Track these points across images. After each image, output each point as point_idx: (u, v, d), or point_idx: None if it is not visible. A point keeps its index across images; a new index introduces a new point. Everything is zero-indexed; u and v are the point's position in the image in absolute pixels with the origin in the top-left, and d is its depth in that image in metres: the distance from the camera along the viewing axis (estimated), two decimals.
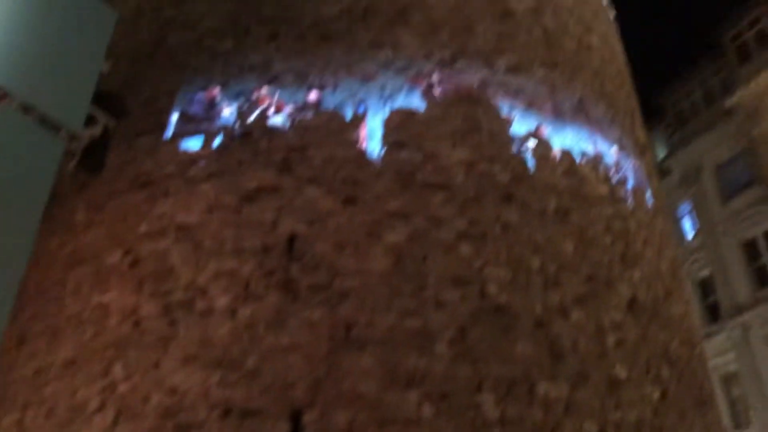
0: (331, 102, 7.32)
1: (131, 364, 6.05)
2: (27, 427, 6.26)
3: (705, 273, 22.89)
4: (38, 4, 5.41)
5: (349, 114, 7.23)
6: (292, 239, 6.46)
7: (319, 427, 5.49)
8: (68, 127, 5.49)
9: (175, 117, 7.63)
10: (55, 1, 5.58)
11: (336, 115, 7.24)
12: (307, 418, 5.54)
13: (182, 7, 8.61)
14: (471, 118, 7.48)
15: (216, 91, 7.55)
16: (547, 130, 7.89)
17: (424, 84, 7.52)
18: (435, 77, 7.59)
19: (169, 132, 7.56)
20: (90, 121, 5.86)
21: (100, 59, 5.76)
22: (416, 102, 7.37)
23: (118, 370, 6.07)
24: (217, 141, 7.26)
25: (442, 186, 6.93)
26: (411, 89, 7.45)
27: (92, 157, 6.67)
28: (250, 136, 7.19)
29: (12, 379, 6.67)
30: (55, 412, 6.15)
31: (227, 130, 7.32)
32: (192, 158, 7.25)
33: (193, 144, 7.42)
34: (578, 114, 8.37)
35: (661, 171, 22.30)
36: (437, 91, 7.52)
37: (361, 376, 5.73)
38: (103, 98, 5.91)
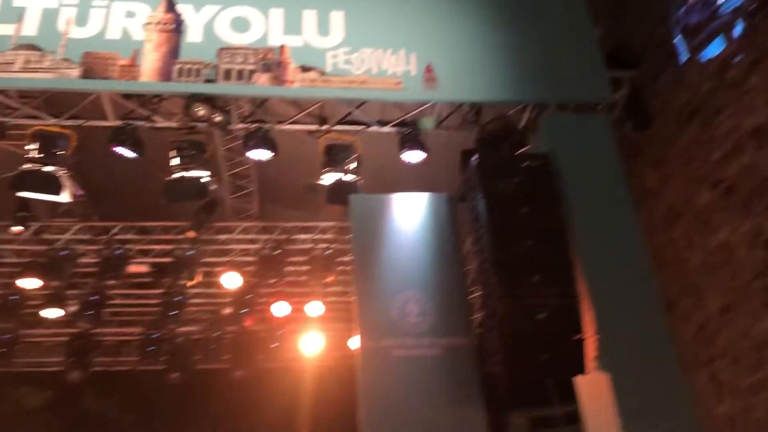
0: None
1: None
2: (721, 379, 6.27)
3: None
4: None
5: None
6: None
7: None
8: (600, 100, 5.72)
9: (678, 37, 7.15)
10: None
11: None
12: None
13: None
14: None
15: None
16: None
17: None
18: None
19: (683, 55, 7.10)
20: (614, 84, 5.98)
21: (591, 29, 5.86)
22: None
23: None
24: (737, 29, 6.45)
25: None
26: None
27: (633, 119, 6.70)
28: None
29: (680, 342, 6.84)
30: (738, 356, 6.02)
31: (739, 13, 6.45)
32: (721, 64, 6.59)
33: (712, 49, 6.78)
34: None
35: None
36: None
37: None
38: (620, 58, 5.96)
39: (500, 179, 5.93)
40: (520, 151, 6.70)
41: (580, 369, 5.46)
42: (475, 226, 6.17)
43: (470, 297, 6.76)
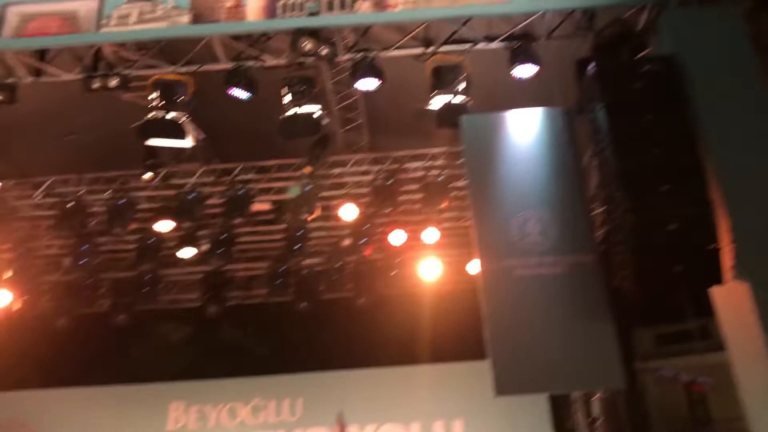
0: None
1: None
2: None
3: None
4: None
5: None
6: None
7: None
8: None
9: None
10: None
11: None
12: None
13: None
14: None
15: None
16: None
17: None
18: None
19: None
20: None
21: None
22: None
23: None
24: None
25: None
26: None
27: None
28: None
29: None
30: None
31: None
32: None
33: None
34: None
35: None
36: None
37: None
38: None
39: (621, 87, 5.62)
40: (641, 55, 6.29)
41: (717, 280, 5.21)
42: (595, 139, 5.91)
43: (591, 213, 6.56)
